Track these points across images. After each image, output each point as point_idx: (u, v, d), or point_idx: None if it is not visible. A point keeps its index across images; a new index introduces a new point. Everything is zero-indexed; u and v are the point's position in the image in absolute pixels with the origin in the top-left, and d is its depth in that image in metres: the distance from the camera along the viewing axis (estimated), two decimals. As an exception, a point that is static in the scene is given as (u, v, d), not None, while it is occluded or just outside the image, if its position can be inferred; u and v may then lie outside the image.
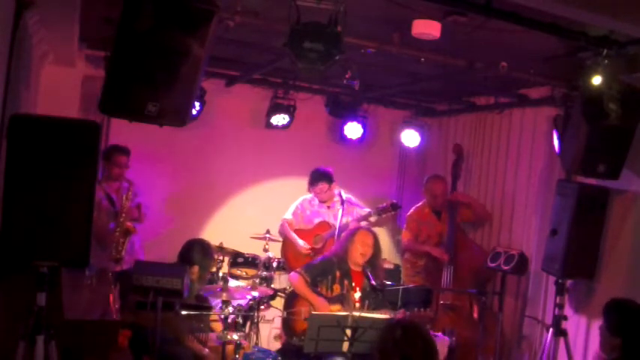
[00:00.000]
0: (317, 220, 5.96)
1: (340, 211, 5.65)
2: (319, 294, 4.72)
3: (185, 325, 4.34)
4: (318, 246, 5.76)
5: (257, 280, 5.45)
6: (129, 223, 5.33)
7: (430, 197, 5.84)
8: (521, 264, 4.77)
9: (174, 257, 4.75)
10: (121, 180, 5.39)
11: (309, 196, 6.07)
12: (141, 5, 2.90)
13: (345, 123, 6.44)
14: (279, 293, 5.65)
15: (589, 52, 3.80)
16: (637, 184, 4.43)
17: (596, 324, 4.40)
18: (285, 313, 4.87)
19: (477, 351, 4.99)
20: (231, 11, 3.57)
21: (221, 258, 5.55)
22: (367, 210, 5.95)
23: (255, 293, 4.67)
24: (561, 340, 4.43)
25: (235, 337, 4.24)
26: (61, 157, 2.97)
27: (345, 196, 5.79)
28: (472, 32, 3.71)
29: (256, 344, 5.36)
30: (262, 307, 5.47)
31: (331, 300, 4.72)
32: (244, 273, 5.61)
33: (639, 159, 4.34)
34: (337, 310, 4.62)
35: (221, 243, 5.58)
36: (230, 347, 4.31)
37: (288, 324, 4.82)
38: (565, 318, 4.45)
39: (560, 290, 4.46)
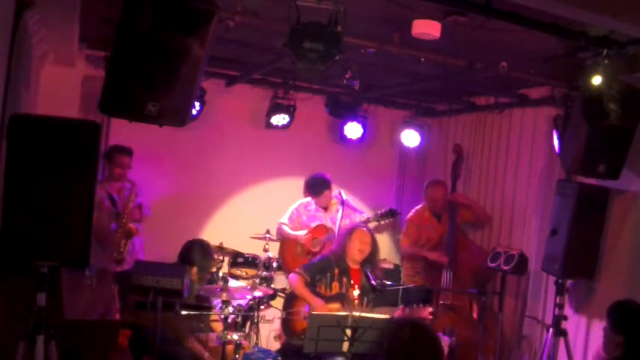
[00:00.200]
0: (314, 224, 5.96)
1: (340, 212, 5.64)
2: (317, 294, 4.72)
3: (185, 325, 4.34)
4: (316, 249, 5.76)
5: (257, 280, 5.46)
6: (131, 225, 5.33)
7: (430, 202, 5.84)
8: (521, 264, 4.77)
9: (174, 257, 4.75)
10: (122, 180, 5.39)
11: (306, 200, 6.08)
12: (141, 5, 2.90)
13: (345, 123, 6.44)
14: (279, 293, 5.65)
15: (589, 52, 3.80)
16: (637, 184, 4.43)
17: (596, 324, 4.42)
18: (284, 313, 4.87)
19: (477, 351, 4.99)
20: (231, 11, 3.57)
21: (221, 258, 5.55)
22: (366, 216, 5.95)
23: (256, 293, 4.66)
24: (561, 340, 4.43)
25: (235, 337, 4.24)
26: (61, 157, 2.97)
27: (345, 196, 5.79)
28: (472, 32, 3.71)
29: (256, 344, 5.36)
30: (262, 307, 5.47)
31: (330, 299, 4.72)
32: (244, 273, 5.61)
33: (639, 159, 4.34)
34: (336, 309, 4.63)
35: (221, 243, 5.58)
36: (230, 347, 4.31)
37: (287, 324, 4.82)
38: (565, 318, 4.45)
39: (560, 290, 4.46)
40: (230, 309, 4.32)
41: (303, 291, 4.71)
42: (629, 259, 4.43)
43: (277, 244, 5.98)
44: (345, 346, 4.04)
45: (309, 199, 6.08)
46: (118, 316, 4.71)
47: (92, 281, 4.57)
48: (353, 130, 6.43)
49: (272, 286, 5.65)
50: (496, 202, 5.88)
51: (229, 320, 4.30)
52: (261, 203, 6.45)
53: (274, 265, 5.71)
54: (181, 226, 6.03)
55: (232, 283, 4.72)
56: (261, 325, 5.50)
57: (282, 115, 6.19)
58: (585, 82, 3.85)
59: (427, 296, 5.43)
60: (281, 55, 4.37)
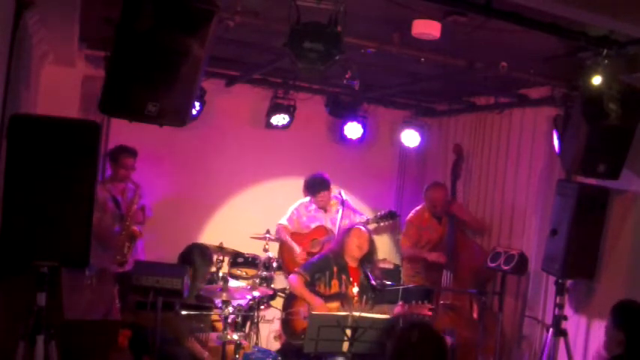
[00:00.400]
0: (314, 225, 5.96)
1: (340, 212, 5.64)
2: (317, 294, 4.72)
3: (185, 325, 4.34)
4: (316, 250, 5.76)
5: (257, 280, 5.46)
6: (134, 228, 5.33)
7: (430, 205, 5.84)
8: (521, 264, 4.77)
9: (174, 257, 4.76)
10: (126, 181, 5.40)
11: (306, 200, 6.08)
12: (141, 5, 2.90)
13: (345, 123, 6.44)
14: (279, 293, 5.65)
15: (589, 52, 3.80)
16: (637, 184, 4.43)
17: (596, 324, 4.42)
18: (284, 313, 4.88)
19: (477, 351, 4.99)
20: (231, 11, 3.57)
21: (221, 258, 5.55)
22: (365, 217, 5.95)
23: (256, 293, 4.67)
24: (561, 340, 4.43)
25: (235, 337, 4.24)
26: (61, 157, 2.97)
27: (344, 197, 5.79)
28: (472, 32, 3.71)
29: (256, 344, 5.36)
30: (262, 307, 5.47)
31: (330, 298, 4.72)
32: (244, 273, 5.61)
33: (639, 159, 4.34)
34: (335, 308, 4.64)
35: (221, 243, 5.58)
36: (230, 347, 4.31)
37: (287, 324, 4.83)
38: (565, 318, 4.45)
39: (560, 290, 4.46)
40: (230, 309, 4.32)
41: (302, 291, 4.72)
42: (629, 259, 4.42)
43: (277, 244, 5.97)
44: (345, 346, 4.05)
45: (307, 200, 6.08)
46: (119, 316, 4.71)
47: (92, 281, 4.56)
48: (353, 130, 6.44)
49: (272, 286, 5.65)
50: (496, 202, 5.88)
51: (229, 320, 4.30)
52: (261, 203, 6.45)
53: (274, 265, 5.71)
54: (181, 226, 6.03)
55: (232, 283, 4.72)
56: (261, 325, 5.51)
57: (282, 115, 6.19)
58: (585, 82, 3.84)
59: (427, 296, 5.43)
60: (281, 55, 4.37)
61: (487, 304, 5.22)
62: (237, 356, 4.38)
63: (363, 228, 5.02)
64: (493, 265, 4.90)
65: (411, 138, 6.51)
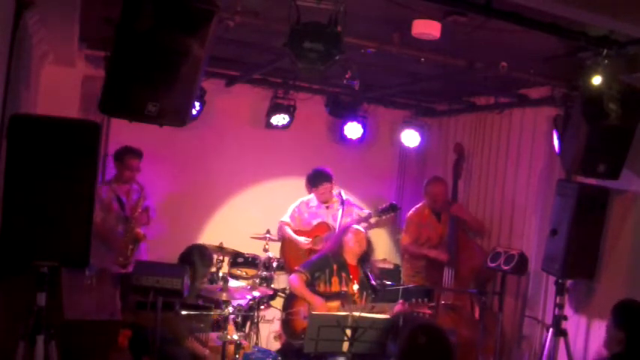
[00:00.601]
0: (315, 222, 5.96)
1: (340, 211, 5.65)
2: (317, 293, 4.73)
3: (185, 325, 4.34)
4: (318, 247, 5.76)
5: (257, 280, 5.46)
6: (138, 230, 5.33)
7: (430, 200, 5.84)
8: (521, 264, 4.77)
9: (174, 257, 4.76)
10: (131, 183, 5.40)
11: (307, 198, 6.08)
12: (141, 5, 2.90)
13: (345, 123, 6.44)
14: (279, 293, 5.65)
15: (589, 52, 3.80)
16: (637, 184, 4.43)
17: (596, 324, 4.42)
18: (284, 313, 4.88)
19: (477, 351, 4.99)
20: (231, 11, 3.57)
21: (221, 258, 5.55)
22: (367, 211, 5.96)
23: (256, 293, 4.67)
24: (561, 340, 4.43)
25: (235, 337, 4.24)
26: (61, 157, 2.97)
27: (344, 197, 5.80)
28: (472, 32, 3.71)
29: (256, 344, 5.36)
30: (262, 307, 5.47)
31: (330, 297, 4.73)
32: (244, 273, 5.61)
33: (639, 159, 4.34)
34: (336, 307, 4.64)
35: (221, 243, 5.58)
36: (230, 347, 4.31)
37: (288, 324, 4.83)
38: (565, 318, 4.45)
39: (560, 290, 4.47)
40: (230, 309, 4.32)
41: (303, 291, 4.73)
42: (629, 259, 4.42)
43: (277, 244, 5.97)
44: (345, 346, 4.05)
45: (310, 196, 6.09)
46: (119, 316, 4.71)
47: (92, 281, 4.57)
48: (353, 130, 6.44)
49: (272, 286, 5.65)
50: (496, 202, 5.88)
51: (229, 320, 4.30)
52: (261, 203, 6.45)
53: (274, 265, 5.71)
54: (181, 226, 6.03)
55: (232, 283, 4.72)
56: (261, 325, 5.51)
57: (282, 115, 6.19)
58: (585, 82, 3.84)
59: (427, 296, 5.44)
60: (281, 55, 4.37)
61: (487, 304, 5.22)
62: (237, 356, 4.38)
63: (360, 228, 5.07)
64: (493, 265, 4.90)
65: (411, 138, 6.51)
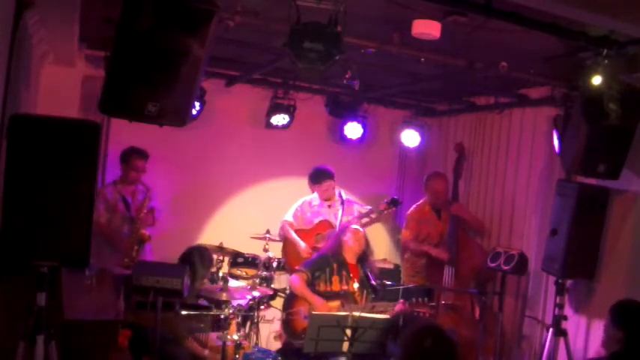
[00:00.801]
0: (317, 220, 5.96)
1: (340, 211, 5.65)
2: (318, 292, 4.74)
3: (185, 325, 4.34)
4: (320, 245, 5.76)
5: (257, 280, 5.45)
6: (143, 231, 5.33)
7: (432, 194, 5.85)
8: (521, 264, 4.76)
9: (174, 257, 4.75)
10: (136, 183, 5.40)
11: (309, 197, 6.08)
12: (141, 5, 2.90)
13: (345, 123, 6.44)
14: (279, 293, 5.65)
15: (589, 52, 3.80)
16: (637, 184, 4.43)
17: (596, 324, 4.42)
18: (284, 314, 4.89)
19: (477, 351, 4.99)
20: (231, 11, 3.57)
21: (221, 258, 5.55)
22: (368, 207, 5.97)
23: (256, 293, 4.67)
24: (561, 340, 4.43)
25: (235, 337, 4.24)
26: (61, 157, 2.97)
27: (344, 196, 5.80)
28: (472, 32, 3.71)
29: (256, 344, 5.36)
30: (262, 307, 5.47)
31: (331, 296, 4.74)
32: (244, 273, 5.60)
33: (639, 159, 4.34)
34: (336, 307, 4.65)
35: (221, 243, 5.58)
36: (230, 347, 4.31)
37: (288, 324, 4.84)
38: (565, 318, 4.45)
39: (560, 290, 4.47)
40: (230, 309, 4.32)
41: (304, 290, 4.74)
42: (629, 259, 4.42)
43: (277, 244, 5.96)
44: (345, 346, 4.05)
45: (312, 196, 6.09)
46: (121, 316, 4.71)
47: (92, 281, 4.57)
48: (353, 130, 6.44)
49: (272, 286, 5.65)
50: (496, 202, 5.88)
51: (229, 320, 4.30)
52: (261, 203, 6.45)
53: (274, 265, 5.71)
54: (181, 226, 6.03)
55: (232, 283, 4.72)
56: (261, 325, 5.50)
57: (282, 115, 6.19)
58: (585, 82, 3.84)
59: (428, 296, 5.44)
60: (281, 55, 4.37)
61: (487, 304, 5.23)
62: (237, 356, 4.38)
63: (359, 227, 5.11)
64: (493, 265, 4.90)
65: (411, 138, 6.51)
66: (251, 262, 5.65)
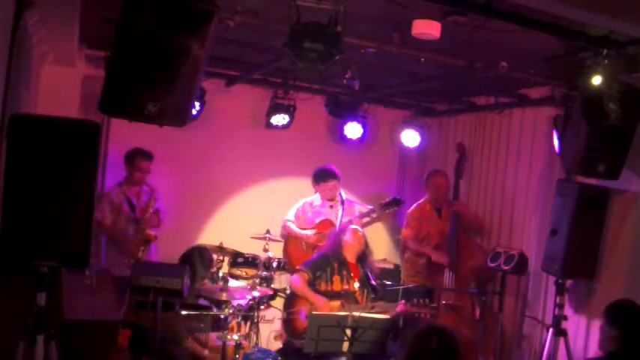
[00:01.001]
0: (318, 220, 5.97)
1: (340, 211, 5.66)
2: (319, 292, 4.74)
3: (185, 325, 4.34)
4: (321, 244, 5.77)
5: (257, 280, 5.45)
6: (149, 231, 5.34)
7: (433, 189, 5.86)
8: (521, 264, 4.77)
9: (175, 257, 4.75)
10: (141, 184, 5.40)
11: (310, 198, 6.09)
12: (141, 5, 2.90)
13: (345, 123, 6.44)
14: (279, 293, 5.65)
15: (589, 52, 3.80)
16: (637, 184, 4.43)
17: (596, 324, 4.41)
18: (284, 313, 4.89)
19: (478, 351, 4.99)
20: (231, 11, 3.57)
21: (221, 258, 5.55)
22: (369, 207, 5.97)
23: (256, 293, 4.67)
24: (561, 340, 4.43)
25: (235, 337, 4.24)
26: (61, 157, 2.97)
27: (344, 196, 5.80)
28: (472, 32, 3.71)
29: (256, 344, 5.36)
30: (262, 307, 5.47)
31: (332, 296, 4.74)
32: (244, 273, 5.60)
33: (639, 159, 4.34)
34: (337, 306, 4.65)
35: (221, 243, 5.58)
36: (230, 347, 4.31)
37: (289, 323, 4.84)
38: (565, 318, 4.45)
39: (560, 290, 4.47)
40: (230, 309, 4.32)
41: (305, 291, 4.75)
42: (629, 259, 4.43)
43: (277, 244, 5.96)
44: (345, 346, 4.05)
45: (314, 196, 6.09)
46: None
47: (92, 281, 4.56)
48: (353, 130, 6.44)
49: (272, 286, 5.65)
50: (496, 202, 5.88)
51: (229, 320, 4.30)
52: (261, 203, 6.45)
53: (274, 265, 5.71)
54: (181, 226, 6.03)
55: (232, 283, 4.72)
56: (261, 325, 5.50)
57: (282, 115, 6.19)
58: (585, 82, 3.84)
59: (428, 296, 5.44)
60: (281, 55, 4.37)
61: (487, 304, 5.23)
62: (237, 356, 4.38)
63: (358, 227, 5.14)
64: (493, 265, 4.90)
65: (411, 138, 6.51)
66: (251, 262, 5.65)
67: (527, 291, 5.38)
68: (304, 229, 5.95)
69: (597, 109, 3.87)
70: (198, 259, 4.59)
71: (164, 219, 5.54)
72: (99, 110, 3.11)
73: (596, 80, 3.76)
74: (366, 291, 4.84)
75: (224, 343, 4.13)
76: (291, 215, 6.03)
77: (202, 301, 4.57)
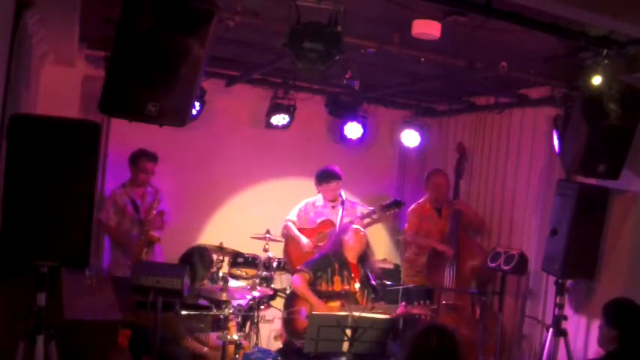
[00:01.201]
0: (320, 220, 5.97)
1: (340, 211, 5.66)
2: (320, 293, 4.74)
3: (184, 325, 4.34)
4: (322, 243, 5.77)
5: (257, 280, 5.45)
6: (152, 233, 5.34)
7: (433, 189, 5.86)
8: (521, 264, 4.77)
9: (175, 257, 4.75)
10: (145, 186, 5.40)
11: (312, 199, 6.09)
12: (141, 5, 2.90)
13: (345, 123, 6.44)
14: (279, 293, 5.65)
15: (589, 52, 3.80)
16: (637, 184, 4.43)
17: (596, 324, 4.39)
18: (285, 313, 4.89)
19: (478, 351, 4.99)
20: (231, 11, 3.56)
21: (221, 258, 5.55)
22: (371, 208, 5.98)
23: (256, 293, 4.67)
24: (561, 340, 4.43)
25: (235, 337, 4.24)
26: (61, 157, 2.97)
27: (344, 197, 5.80)
28: (472, 32, 3.71)
29: (256, 344, 5.36)
30: (262, 307, 5.47)
31: (332, 296, 4.74)
32: (244, 273, 5.60)
33: (639, 159, 4.34)
34: (337, 307, 4.65)
35: (221, 243, 5.57)
36: (230, 347, 4.31)
37: (289, 323, 4.84)
38: (565, 318, 4.45)
39: (560, 290, 4.47)
40: (230, 309, 4.31)
41: (305, 291, 4.74)
42: (629, 259, 4.43)
43: (277, 244, 5.96)
44: (345, 346, 4.05)
45: (315, 197, 6.09)
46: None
47: (92, 281, 4.56)
48: (353, 130, 6.44)
49: (272, 286, 5.65)
50: (496, 202, 5.88)
51: (229, 320, 4.30)
52: (261, 203, 6.45)
53: (274, 265, 5.71)
54: (181, 226, 6.03)
55: (232, 283, 4.72)
56: (261, 325, 5.50)
57: (282, 115, 6.19)
58: (585, 82, 3.84)
59: (428, 296, 5.45)
60: (281, 55, 4.37)
61: (487, 304, 5.23)
62: (237, 356, 4.38)
63: (360, 227, 5.12)
64: (493, 265, 4.90)
65: (411, 138, 6.51)
66: (251, 262, 5.65)
67: (527, 291, 5.38)
68: (305, 228, 5.95)
69: (597, 109, 3.87)
70: (198, 259, 4.58)
71: (168, 220, 5.53)
72: (99, 110, 3.11)
73: (596, 80, 3.76)
74: (366, 292, 4.84)
75: (224, 343, 4.13)
76: (293, 215, 6.03)
77: (202, 301, 4.56)
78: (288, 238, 5.98)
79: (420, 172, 7.02)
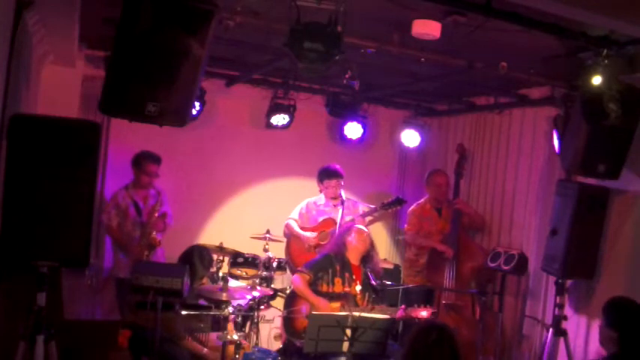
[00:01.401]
0: (322, 219, 5.97)
1: (340, 211, 5.66)
2: (320, 294, 4.73)
3: (184, 325, 4.34)
4: (324, 242, 5.77)
5: (257, 280, 5.45)
6: (154, 235, 5.32)
7: (434, 189, 5.87)
8: (521, 264, 4.77)
9: (174, 257, 4.75)
10: (148, 188, 5.38)
11: (314, 198, 6.09)
12: (141, 5, 2.90)
13: (345, 123, 6.44)
14: (279, 293, 5.65)
15: (589, 52, 3.80)
16: (637, 184, 4.43)
17: (596, 324, 4.40)
18: (285, 312, 4.89)
19: (478, 351, 4.99)
20: (231, 11, 3.57)
21: (221, 258, 5.54)
22: (372, 206, 5.98)
23: (256, 293, 4.67)
24: (561, 340, 4.43)
25: (235, 337, 4.24)
26: (61, 157, 2.97)
27: (344, 196, 5.81)
28: (472, 32, 3.71)
29: (256, 344, 5.36)
30: (262, 307, 5.47)
31: (332, 298, 4.73)
32: (244, 273, 5.60)
33: (639, 159, 4.34)
34: (337, 308, 4.64)
35: (221, 243, 5.57)
36: (230, 347, 4.31)
37: (289, 323, 4.83)
38: (565, 318, 4.45)
39: (560, 290, 4.47)
40: (230, 309, 4.31)
41: (305, 291, 4.74)
42: (629, 259, 4.43)
43: (277, 244, 5.96)
44: (345, 346, 4.05)
45: (317, 197, 6.09)
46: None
47: (92, 281, 4.57)
48: (353, 129, 6.44)
49: (272, 286, 5.65)
50: (496, 202, 5.88)
51: (229, 320, 4.30)
52: (261, 203, 6.45)
53: (274, 265, 5.71)
54: (181, 226, 6.02)
55: (232, 283, 4.72)
56: (261, 325, 5.50)
57: (282, 115, 6.19)
58: (585, 82, 3.84)
59: (428, 296, 5.45)
60: (281, 55, 4.37)
61: (487, 304, 5.23)
62: (237, 356, 4.38)
63: (363, 227, 5.10)
64: (493, 265, 4.91)
65: (411, 138, 6.51)
66: (251, 262, 5.65)
67: (527, 291, 5.38)
68: (307, 228, 5.95)
69: (597, 109, 3.87)
70: (197, 258, 4.58)
71: (170, 223, 5.49)
72: (99, 110, 3.11)
73: (596, 80, 3.76)
74: (367, 294, 4.82)
75: (224, 343, 4.13)
76: (294, 214, 6.04)
77: (202, 301, 4.56)
78: (291, 237, 5.98)
79: (420, 172, 7.02)
